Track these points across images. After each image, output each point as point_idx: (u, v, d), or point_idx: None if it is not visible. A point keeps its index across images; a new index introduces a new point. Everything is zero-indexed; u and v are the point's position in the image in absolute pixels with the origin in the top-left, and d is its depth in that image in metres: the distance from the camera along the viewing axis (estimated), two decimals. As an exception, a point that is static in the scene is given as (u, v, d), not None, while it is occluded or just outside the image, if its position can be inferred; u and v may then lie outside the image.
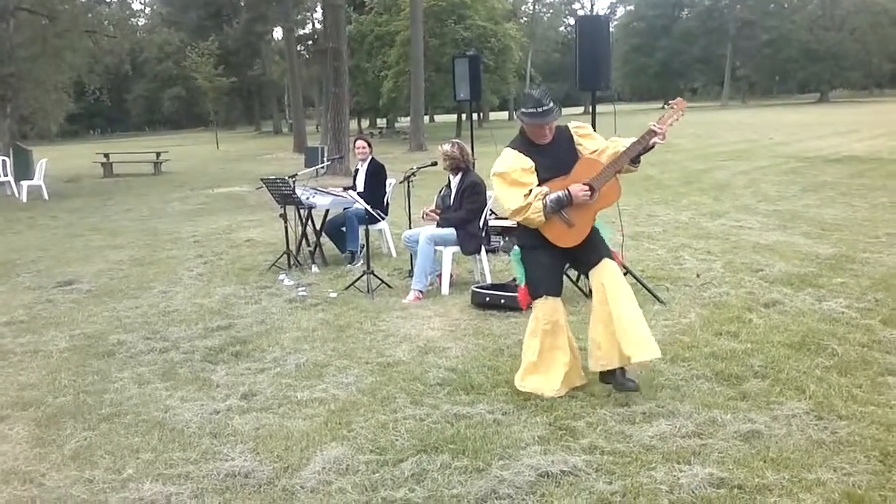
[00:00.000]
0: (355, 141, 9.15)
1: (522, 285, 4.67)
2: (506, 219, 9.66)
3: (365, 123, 58.36)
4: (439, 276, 7.33)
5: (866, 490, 3.28)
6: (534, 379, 4.53)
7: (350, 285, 7.41)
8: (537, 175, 4.39)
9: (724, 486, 3.38)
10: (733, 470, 3.51)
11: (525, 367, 4.58)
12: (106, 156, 25.15)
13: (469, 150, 7.51)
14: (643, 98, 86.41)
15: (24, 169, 18.88)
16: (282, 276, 8.02)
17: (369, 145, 8.90)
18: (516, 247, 4.70)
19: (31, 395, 4.94)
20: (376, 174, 8.72)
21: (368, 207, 7.46)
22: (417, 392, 4.69)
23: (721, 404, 4.27)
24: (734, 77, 79.17)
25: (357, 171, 8.95)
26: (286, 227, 8.43)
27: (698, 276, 7.29)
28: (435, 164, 7.41)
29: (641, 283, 6.67)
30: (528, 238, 4.56)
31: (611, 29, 7.27)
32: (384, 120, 56.26)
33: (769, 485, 3.36)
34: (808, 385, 4.48)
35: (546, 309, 4.49)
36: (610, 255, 4.53)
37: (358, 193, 8.23)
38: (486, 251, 7.64)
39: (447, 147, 7.20)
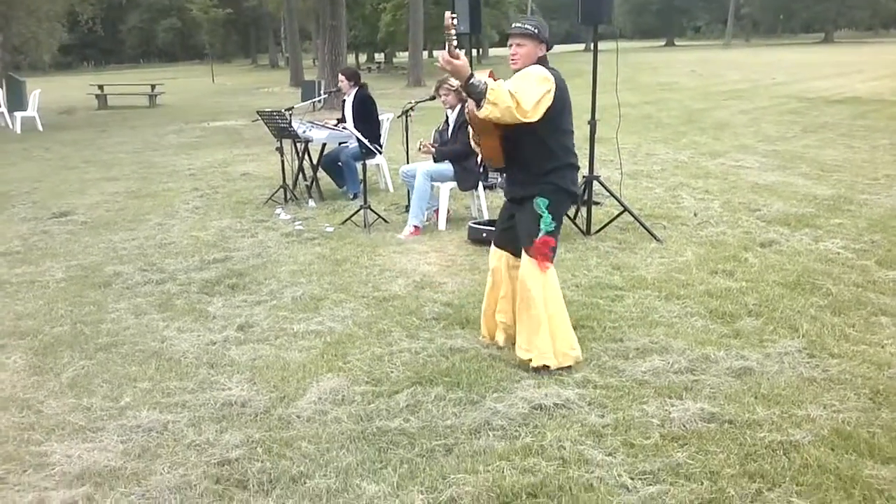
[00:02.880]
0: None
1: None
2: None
3: (363, 58, 57.53)
4: (436, 211, 7.31)
5: (855, 427, 3.32)
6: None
7: (347, 220, 7.39)
8: None
9: (715, 420, 3.42)
10: (724, 405, 3.55)
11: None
12: (100, 87, 24.83)
13: None
14: (645, 36, 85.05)
15: (17, 100, 18.62)
16: (278, 210, 7.99)
17: (349, 77, 8.66)
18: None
19: (28, 324, 4.96)
20: (363, 105, 8.50)
21: (363, 139, 7.37)
22: (413, 326, 4.72)
23: (714, 341, 4.30)
24: (738, 16, 77.79)
25: (343, 101, 8.81)
26: (283, 161, 8.36)
27: (695, 214, 7.28)
28: (433, 98, 7.31)
29: (639, 222, 6.66)
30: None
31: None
32: (382, 54, 55.44)
33: (759, 420, 3.41)
34: (802, 324, 4.51)
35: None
36: (529, 246, 4.03)
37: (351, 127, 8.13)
38: (484, 187, 7.61)
39: (452, 80, 7.09)
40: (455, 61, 3.54)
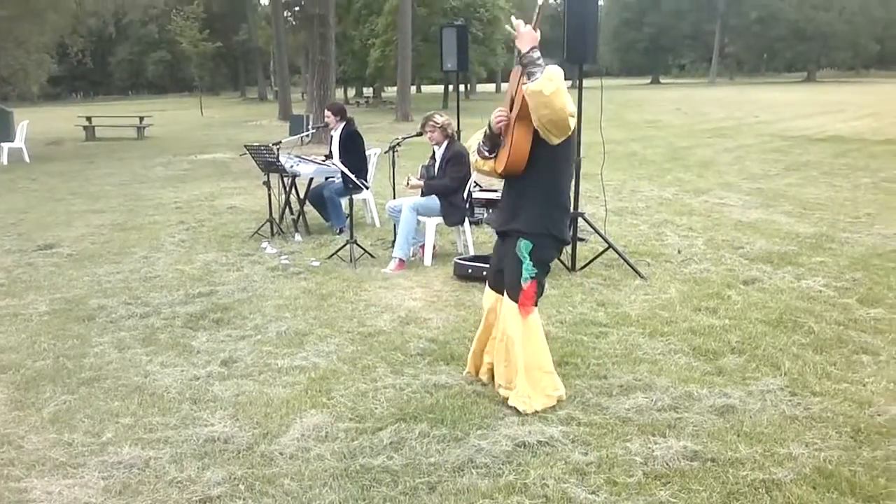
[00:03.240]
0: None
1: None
2: (489, 190, 9.66)
3: (351, 92, 57.91)
4: (422, 247, 7.34)
5: (837, 465, 3.34)
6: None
7: (333, 254, 7.40)
8: None
9: (698, 458, 3.43)
10: (707, 443, 3.57)
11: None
12: (88, 119, 24.84)
13: (453, 122, 7.49)
14: (632, 73, 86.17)
15: (4, 130, 18.58)
16: (264, 244, 8.00)
17: (335, 113, 8.76)
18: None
19: (10, 358, 4.92)
20: (350, 140, 8.57)
21: (350, 174, 7.41)
22: (398, 362, 4.71)
23: (697, 379, 4.33)
24: (722, 54, 79.06)
25: (331, 137, 8.88)
26: (269, 195, 8.38)
27: (679, 252, 7.34)
28: (420, 134, 7.37)
29: (623, 259, 6.71)
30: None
31: (600, 2, 7.21)
32: (371, 89, 55.81)
33: (742, 458, 3.42)
34: (784, 362, 4.54)
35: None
36: (512, 292, 4.03)
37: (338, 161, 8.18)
38: (470, 223, 7.65)
39: (437, 117, 7.17)
40: (531, 30, 3.72)
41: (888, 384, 4.22)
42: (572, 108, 3.76)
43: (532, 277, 3.97)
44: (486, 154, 4.13)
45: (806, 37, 69.41)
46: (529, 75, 3.70)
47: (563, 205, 4.04)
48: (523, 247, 3.97)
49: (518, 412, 3.93)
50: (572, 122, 3.79)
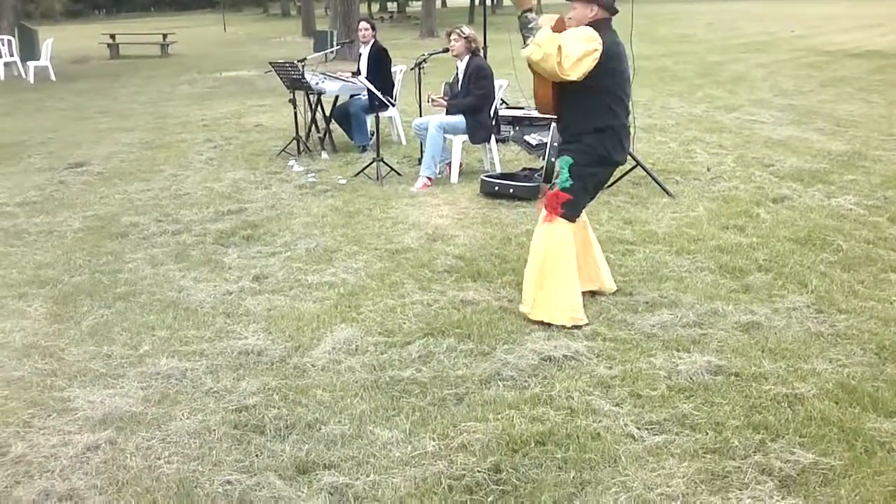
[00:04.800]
0: (358, 23, 8.97)
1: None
2: (516, 108, 9.56)
3: (375, 7, 56.85)
4: (448, 164, 7.33)
5: (860, 381, 3.37)
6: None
7: (359, 172, 7.41)
8: None
9: (722, 373, 3.48)
10: (731, 358, 3.61)
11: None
12: (112, 37, 24.72)
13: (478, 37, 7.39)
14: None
15: (29, 49, 18.56)
16: (291, 162, 8.03)
17: (372, 27, 8.69)
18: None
19: (47, 273, 5.05)
20: (379, 58, 8.51)
21: (376, 91, 7.36)
22: (425, 278, 4.78)
23: (723, 296, 4.35)
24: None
25: (360, 55, 8.80)
26: (295, 113, 8.37)
27: (708, 169, 7.27)
28: (447, 50, 7.27)
29: (651, 177, 6.66)
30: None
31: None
32: (395, 4, 54.75)
33: (765, 373, 3.47)
34: (811, 279, 4.54)
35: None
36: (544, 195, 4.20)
37: (364, 78, 8.12)
38: (496, 140, 7.60)
39: (464, 27, 7.09)
40: None
41: (915, 302, 4.22)
42: (579, 49, 3.72)
43: (565, 189, 4.04)
44: None
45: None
46: (524, 38, 3.78)
47: (609, 127, 4.01)
48: (563, 161, 4.08)
49: (546, 326, 3.98)
50: (583, 65, 3.75)
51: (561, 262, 4.04)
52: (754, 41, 22.95)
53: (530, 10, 3.77)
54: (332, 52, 13.78)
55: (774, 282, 4.55)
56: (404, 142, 9.04)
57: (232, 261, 5.21)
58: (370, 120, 8.27)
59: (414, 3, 48.37)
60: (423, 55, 7.85)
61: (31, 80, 17.11)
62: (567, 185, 4.04)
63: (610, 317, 4.13)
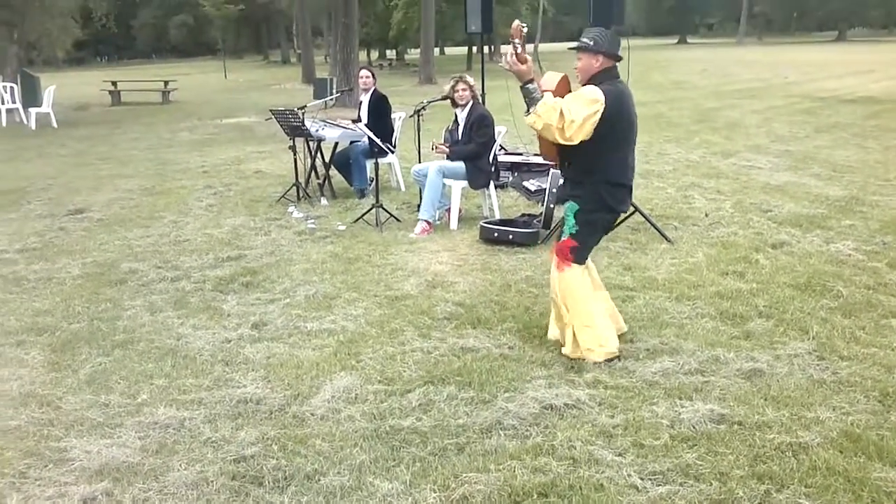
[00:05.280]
0: (359, 71, 9.09)
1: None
2: (515, 154, 9.63)
3: (374, 55, 57.57)
4: (448, 210, 7.35)
5: (864, 429, 3.34)
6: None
7: (359, 218, 7.43)
8: None
9: (725, 422, 3.45)
10: (734, 406, 3.58)
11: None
12: (114, 84, 24.97)
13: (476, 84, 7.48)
14: (658, 33, 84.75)
15: (31, 96, 18.72)
16: (291, 209, 8.05)
17: (373, 75, 8.82)
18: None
19: (45, 321, 5.03)
20: (379, 105, 8.62)
21: (376, 139, 7.42)
22: (425, 325, 4.76)
23: (724, 343, 4.33)
24: (751, 13, 77.48)
25: (361, 102, 8.89)
26: (295, 159, 8.42)
27: (707, 215, 7.30)
28: (445, 98, 7.35)
29: (650, 222, 6.68)
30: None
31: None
32: (394, 52, 55.48)
33: (769, 422, 3.44)
34: (812, 326, 4.53)
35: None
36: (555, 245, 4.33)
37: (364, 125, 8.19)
38: (495, 186, 7.64)
39: (468, 77, 7.19)
40: (520, 65, 3.86)
41: (917, 348, 4.20)
42: (581, 114, 3.82)
43: (572, 235, 4.15)
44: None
45: (837, -6, 67.97)
46: (527, 105, 3.94)
47: (612, 180, 4.12)
48: (569, 208, 4.20)
49: (548, 371, 3.98)
50: (585, 129, 3.85)
51: (579, 302, 4.16)
52: (748, 87, 23.22)
53: (531, 82, 3.90)
54: (331, 99, 13.92)
55: (775, 328, 4.54)
56: (403, 188, 9.08)
57: (231, 308, 5.20)
58: (370, 165, 8.32)
59: (412, 50, 48.99)
60: (423, 102, 7.93)
61: (33, 127, 17.23)
62: (574, 230, 4.15)
63: (611, 364, 4.11)
